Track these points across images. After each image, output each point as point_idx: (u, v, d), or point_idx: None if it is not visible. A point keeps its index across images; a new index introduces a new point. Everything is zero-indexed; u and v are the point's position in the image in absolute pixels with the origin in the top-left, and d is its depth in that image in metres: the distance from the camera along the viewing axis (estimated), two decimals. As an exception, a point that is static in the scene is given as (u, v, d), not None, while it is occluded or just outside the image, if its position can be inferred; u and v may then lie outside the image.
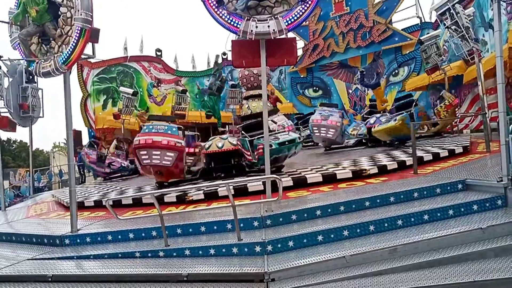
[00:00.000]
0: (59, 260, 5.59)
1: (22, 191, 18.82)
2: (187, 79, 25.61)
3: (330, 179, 7.69)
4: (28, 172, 18.55)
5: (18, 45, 6.84)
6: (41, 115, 15.56)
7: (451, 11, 11.18)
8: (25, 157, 47.12)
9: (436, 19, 17.65)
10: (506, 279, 3.72)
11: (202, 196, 7.70)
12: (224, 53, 25.94)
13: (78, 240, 6.26)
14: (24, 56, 6.92)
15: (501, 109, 5.38)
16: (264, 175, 6.78)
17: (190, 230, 5.88)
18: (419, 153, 8.42)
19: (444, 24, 12.12)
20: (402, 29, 21.82)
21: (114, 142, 17.25)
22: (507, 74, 11.65)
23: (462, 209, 5.22)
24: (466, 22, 11.16)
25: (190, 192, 7.86)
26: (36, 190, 17.43)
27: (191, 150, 11.21)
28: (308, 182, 7.68)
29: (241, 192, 7.47)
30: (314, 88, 24.93)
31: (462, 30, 11.19)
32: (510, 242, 4.35)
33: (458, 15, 11.05)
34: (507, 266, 3.93)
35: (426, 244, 4.53)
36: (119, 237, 6.12)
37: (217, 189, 7.60)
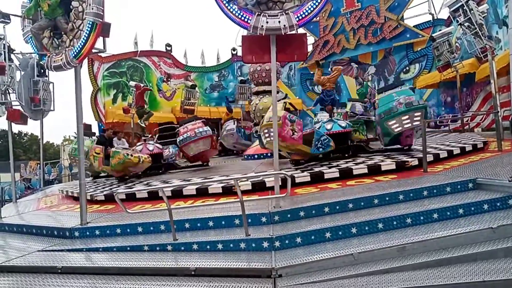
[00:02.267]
0: (69, 252, 5.66)
1: (33, 184, 19.08)
2: (197, 74, 25.64)
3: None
4: (38, 165, 18.79)
5: (30, 39, 6.90)
6: (52, 108, 15.70)
7: (464, 8, 11.03)
8: (36, 150, 47.77)
9: (449, 16, 17.44)
10: (517, 279, 3.68)
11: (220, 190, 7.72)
12: (234, 49, 25.91)
13: (88, 233, 6.33)
14: (36, 49, 6.98)
15: (514, 107, 5.31)
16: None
17: (198, 224, 5.91)
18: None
19: (457, 21, 11.97)
20: (414, 26, 21.56)
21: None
22: (520, 72, 11.47)
23: (473, 208, 5.17)
24: (480, 19, 11.01)
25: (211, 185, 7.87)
26: (47, 183, 17.63)
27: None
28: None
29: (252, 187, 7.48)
30: (324, 84, 24.76)
31: (476, 27, 11.04)
32: (521, 242, 4.30)
33: (472, 11, 10.90)
34: (517, 267, 3.88)
35: (436, 243, 4.49)
36: (128, 230, 6.18)
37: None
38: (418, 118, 8.77)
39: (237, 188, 5.10)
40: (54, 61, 6.65)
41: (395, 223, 5.09)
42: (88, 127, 15.11)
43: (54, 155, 42.38)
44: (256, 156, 14.25)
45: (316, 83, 17.20)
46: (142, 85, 18.26)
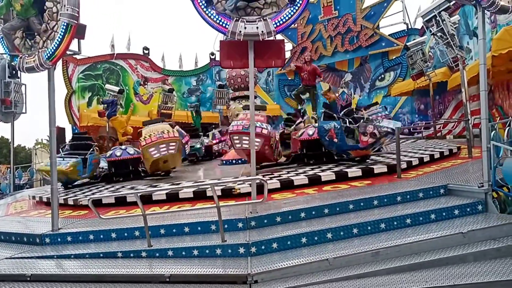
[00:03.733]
0: (39, 259, 5.49)
1: (2, 188, 18.38)
2: (174, 78, 25.46)
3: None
4: (8, 169, 18.19)
5: (1, 39, 6.70)
6: (24, 111, 15.29)
7: (437, 18, 11.35)
8: (6, 154, 46.10)
9: (422, 26, 17.92)
10: (485, 283, 3.79)
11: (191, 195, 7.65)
12: (212, 53, 25.87)
13: (59, 239, 6.16)
14: (7, 50, 6.78)
15: (483, 115, 5.49)
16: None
17: (174, 230, 5.84)
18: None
19: (430, 31, 12.30)
20: (389, 35, 22.05)
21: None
22: (489, 82, 11.88)
23: (444, 214, 5.30)
24: (451, 29, 11.35)
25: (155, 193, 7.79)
26: (17, 188, 17.06)
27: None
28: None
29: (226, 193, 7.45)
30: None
31: (447, 37, 11.37)
32: (490, 246, 4.44)
33: (444, 22, 11.22)
34: (486, 270, 4.00)
35: (408, 248, 4.58)
36: (101, 236, 6.04)
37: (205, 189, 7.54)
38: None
39: (213, 193, 5.07)
40: (26, 63, 6.46)
41: (369, 228, 5.16)
42: (61, 131, 14.76)
43: (26, 159, 41.14)
44: (234, 161, 14.20)
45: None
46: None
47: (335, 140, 9.38)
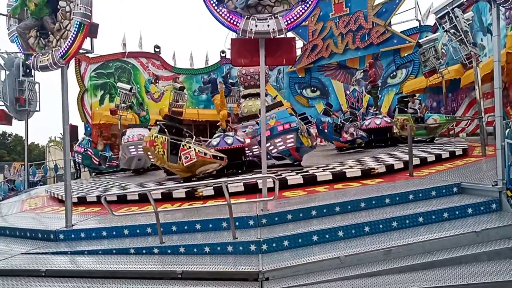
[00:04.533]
0: (53, 255, 5.58)
1: (17, 185, 18.72)
2: (185, 76, 25.56)
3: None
4: (23, 166, 18.48)
5: (15, 38, 6.80)
6: (37, 109, 15.53)
7: (450, 15, 11.21)
8: (20, 151, 46.95)
9: (435, 23, 17.71)
10: (499, 282, 3.75)
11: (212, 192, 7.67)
12: (223, 51, 25.90)
13: (73, 235, 6.25)
14: (21, 49, 6.88)
15: (498, 113, 5.41)
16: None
17: (185, 227, 5.88)
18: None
19: (443, 28, 12.16)
20: (401, 32, 21.83)
21: None
22: (504, 79, 11.72)
23: (457, 212, 5.25)
24: (465, 26, 11.20)
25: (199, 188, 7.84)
26: (31, 184, 17.34)
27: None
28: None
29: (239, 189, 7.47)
30: (312, 88, 24.93)
31: (461, 34, 11.23)
32: (504, 245, 4.38)
33: (457, 19, 11.08)
34: (500, 270, 3.96)
35: (421, 246, 4.55)
36: (114, 233, 6.11)
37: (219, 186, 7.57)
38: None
39: (224, 190, 5.09)
40: (40, 61, 6.56)
41: (381, 226, 5.13)
42: (74, 128, 14.92)
43: (39, 156, 41.72)
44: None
45: None
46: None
47: (325, 130, 12.95)
